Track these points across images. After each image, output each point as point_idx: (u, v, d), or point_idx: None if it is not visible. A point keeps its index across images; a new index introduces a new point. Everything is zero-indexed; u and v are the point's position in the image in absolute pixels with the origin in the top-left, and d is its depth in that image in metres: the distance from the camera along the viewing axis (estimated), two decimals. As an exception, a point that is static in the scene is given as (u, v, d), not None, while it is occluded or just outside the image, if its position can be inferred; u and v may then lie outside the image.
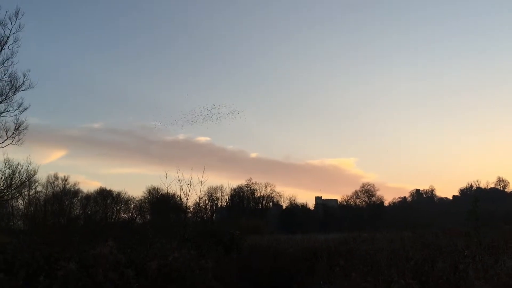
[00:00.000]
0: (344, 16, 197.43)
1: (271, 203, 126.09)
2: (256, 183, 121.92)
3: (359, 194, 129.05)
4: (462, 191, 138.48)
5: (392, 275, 11.15)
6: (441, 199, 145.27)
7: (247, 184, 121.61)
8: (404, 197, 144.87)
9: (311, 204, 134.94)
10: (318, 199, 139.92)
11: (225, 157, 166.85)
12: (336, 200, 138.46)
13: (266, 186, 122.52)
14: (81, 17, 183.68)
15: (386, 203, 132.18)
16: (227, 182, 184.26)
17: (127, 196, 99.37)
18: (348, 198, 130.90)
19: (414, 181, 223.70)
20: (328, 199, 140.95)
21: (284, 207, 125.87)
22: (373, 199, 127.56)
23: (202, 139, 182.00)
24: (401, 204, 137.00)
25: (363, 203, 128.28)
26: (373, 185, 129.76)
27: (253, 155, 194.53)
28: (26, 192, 59.73)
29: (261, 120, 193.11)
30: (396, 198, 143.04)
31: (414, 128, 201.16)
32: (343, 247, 21.12)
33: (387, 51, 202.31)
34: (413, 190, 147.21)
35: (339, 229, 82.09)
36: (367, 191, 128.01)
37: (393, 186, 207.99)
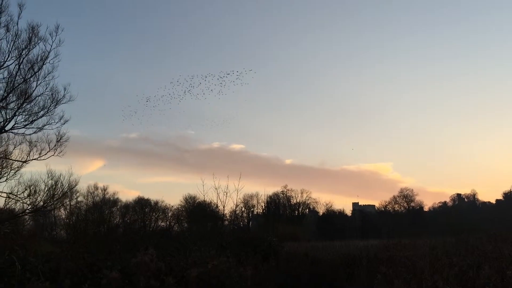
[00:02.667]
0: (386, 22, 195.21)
1: (307, 210, 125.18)
2: (291, 190, 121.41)
3: (397, 199, 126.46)
4: (506, 195, 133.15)
5: (436, 282, 10.85)
6: (484, 203, 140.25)
7: (282, 191, 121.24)
8: (445, 201, 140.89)
9: (348, 210, 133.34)
10: (355, 205, 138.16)
11: (259, 164, 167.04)
12: (374, 206, 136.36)
13: (302, 193, 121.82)
14: (119, 31, 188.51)
15: (426, 209, 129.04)
16: (262, 189, 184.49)
17: (164, 204, 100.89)
18: (386, 203, 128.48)
19: (455, 185, 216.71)
20: (365, 205, 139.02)
21: (320, 213, 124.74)
22: (412, 204, 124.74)
23: (237, 146, 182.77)
24: (442, 209, 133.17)
25: (402, 208, 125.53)
26: (412, 190, 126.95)
27: (288, 161, 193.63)
28: (68, 202, 61.38)
29: (295, 126, 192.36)
30: (436, 203, 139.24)
31: (453, 129, 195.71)
32: (384, 254, 20.68)
33: (424, 50, 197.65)
34: (454, 194, 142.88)
35: (378, 236, 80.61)
36: (406, 196, 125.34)
37: (433, 191, 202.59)
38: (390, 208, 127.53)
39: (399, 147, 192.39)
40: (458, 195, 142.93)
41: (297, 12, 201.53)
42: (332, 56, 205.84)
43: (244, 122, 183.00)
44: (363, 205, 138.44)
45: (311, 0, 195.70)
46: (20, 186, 27.48)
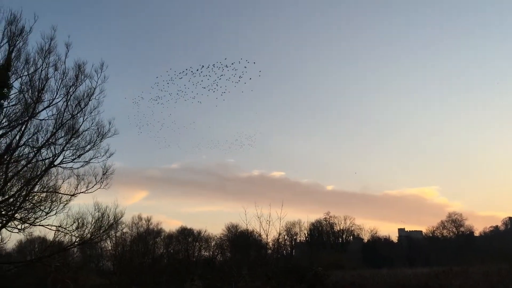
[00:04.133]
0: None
1: (351, 237, 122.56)
2: (334, 217, 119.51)
3: (445, 224, 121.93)
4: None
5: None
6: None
7: (325, 217, 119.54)
8: (496, 226, 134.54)
9: (394, 237, 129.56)
10: (401, 231, 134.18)
11: (300, 191, 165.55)
12: (421, 231, 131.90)
13: (345, 219, 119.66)
14: (153, 63, 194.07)
15: (476, 233, 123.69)
16: (304, 216, 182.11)
17: (207, 234, 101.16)
18: (434, 229, 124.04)
19: (507, 208, 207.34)
20: (412, 230, 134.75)
21: (365, 240, 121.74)
22: (462, 229, 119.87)
23: (277, 174, 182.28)
24: (494, 234, 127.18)
25: (451, 234, 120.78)
26: (461, 214, 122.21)
27: (329, 187, 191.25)
28: (113, 234, 62.58)
29: (335, 152, 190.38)
30: (488, 227, 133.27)
31: (503, 149, 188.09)
32: (434, 283, 19.85)
33: (473, 72, 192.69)
34: (506, 218, 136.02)
35: (427, 263, 77.56)
36: (454, 221, 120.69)
37: (483, 215, 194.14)
38: (438, 234, 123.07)
39: (445, 170, 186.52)
40: (511, 218, 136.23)
41: (340, 40, 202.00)
42: (373, 82, 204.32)
43: (284, 149, 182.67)
44: (409, 231, 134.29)
45: (349, 28, 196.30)
46: (68, 219, 28.30)
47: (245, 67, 45.47)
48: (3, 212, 25.84)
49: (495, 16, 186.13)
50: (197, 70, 46.37)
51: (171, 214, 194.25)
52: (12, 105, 25.16)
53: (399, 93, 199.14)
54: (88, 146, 27.62)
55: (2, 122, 24.75)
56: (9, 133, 25.10)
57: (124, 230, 75.82)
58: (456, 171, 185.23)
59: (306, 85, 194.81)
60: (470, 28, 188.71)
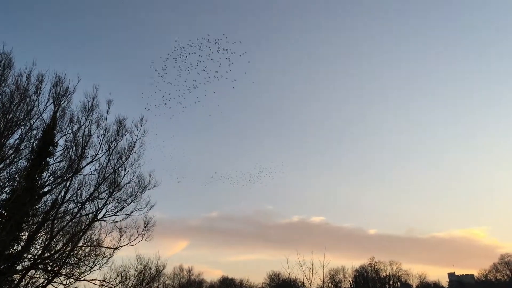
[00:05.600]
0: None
1: (398, 283, 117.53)
2: (379, 262, 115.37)
3: (498, 267, 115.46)
4: None
5: None
6: None
7: (370, 263, 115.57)
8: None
9: (444, 282, 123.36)
10: (451, 275, 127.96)
11: (342, 236, 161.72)
12: (473, 275, 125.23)
13: (391, 265, 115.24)
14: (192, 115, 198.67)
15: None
16: (347, 262, 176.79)
17: (249, 283, 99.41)
18: (487, 272, 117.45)
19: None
20: (462, 274, 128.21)
21: (414, 286, 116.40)
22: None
23: (317, 219, 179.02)
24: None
25: (505, 277, 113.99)
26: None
27: (372, 231, 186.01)
28: (155, 286, 62.25)
29: (376, 194, 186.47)
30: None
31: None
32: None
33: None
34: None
35: (482, 308, 72.90)
36: (508, 263, 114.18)
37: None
38: (491, 277, 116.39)
39: (494, 209, 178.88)
40: None
41: (367, 78, 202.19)
42: (412, 121, 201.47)
43: (322, 193, 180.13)
44: (460, 275, 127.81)
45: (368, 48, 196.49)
46: (112, 272, 28.52)
47: None
48: (49, 268, 26.21)
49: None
50: None
51: (212, 263, 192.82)
52: (57, 162, 26.09)
53: (444, 131, 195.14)
54: (130, 199, 28.06)
55: (48, 179, 25.58)
56: (55, 189, 25.90)
57: (166, 282, 75.51)
58: (506, 209, 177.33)
59: (344, 132, 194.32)
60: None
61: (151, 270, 29.83)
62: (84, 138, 25.91)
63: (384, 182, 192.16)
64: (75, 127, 25.86)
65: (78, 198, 26.26)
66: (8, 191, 24.72)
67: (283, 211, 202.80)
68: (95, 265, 27.95)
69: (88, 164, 26.33)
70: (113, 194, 27.38)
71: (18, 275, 25.18)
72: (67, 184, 25.60)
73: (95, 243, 28.34)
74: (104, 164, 26.82)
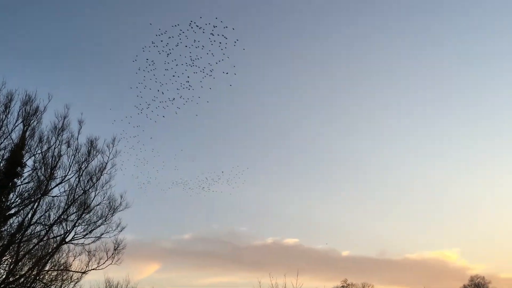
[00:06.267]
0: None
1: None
2: (352, 284, 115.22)
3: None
4: None
5: None
6: None
7: (342, 285, 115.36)
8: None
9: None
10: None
11: (315, 258, 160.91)
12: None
13: (363, 287, 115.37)
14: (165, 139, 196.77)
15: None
16: (321, 284, 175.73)
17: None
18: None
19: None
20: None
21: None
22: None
23: (291, 240, 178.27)
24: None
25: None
26: (483, 277, 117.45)
27: (345, 253, 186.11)
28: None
29: (350, 215, 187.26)
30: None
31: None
32: None
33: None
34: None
35: (452, 330, 73.36)
36: (477, 285, 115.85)
37: (507, 277, 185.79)
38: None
39: (465, 231, 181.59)
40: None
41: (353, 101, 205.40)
42: (386, 143, 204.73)
43: (297, 214, 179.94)
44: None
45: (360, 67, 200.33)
46: (79, 297, 27.54)
47: None
48: (13, 293, 25.26)
49: None
50: None
51: (184, 287, 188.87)
52: (25, 183, 25.43)
53: (415, 152, 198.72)
54: (100, 221, 27.53)
55: (15, 200, 24.87)
56: (21, 211, 25.15)
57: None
58: (476, 231, 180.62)
59: (318, 147, 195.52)
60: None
61: (120, 295, 29.02)
62: (53, 159, 25.42)
63: (357, 203, 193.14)
64: (45, 147, 25.36)
65: (46, 220, 25.61)
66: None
67: (257, 233, 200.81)
68: (62, 289, 27.10)
69: (57, 185, 25.80)
70: (83, 216, 26.82)
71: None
72: (35, 206, 24.91)
73: (62, 267, 27.60)
74: (74, 185, 26.32)
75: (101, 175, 27.32)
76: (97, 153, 27.19)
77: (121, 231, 28.31)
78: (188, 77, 34.56)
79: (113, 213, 27.90)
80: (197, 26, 33.54)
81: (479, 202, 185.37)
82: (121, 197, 28.22)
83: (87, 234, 27.13)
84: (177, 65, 34.34)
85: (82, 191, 26.66)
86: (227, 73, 34.07)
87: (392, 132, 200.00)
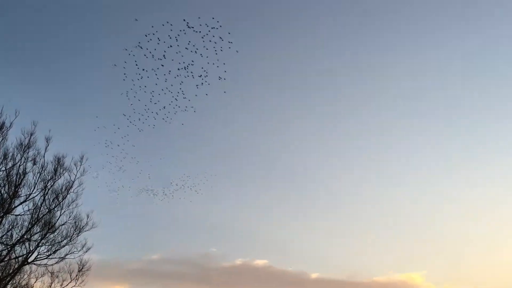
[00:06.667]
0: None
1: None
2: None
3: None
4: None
5: None
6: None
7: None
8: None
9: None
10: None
11: (285, 280, 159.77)
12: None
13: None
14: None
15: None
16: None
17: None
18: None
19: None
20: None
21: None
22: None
23: (260, 262, 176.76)
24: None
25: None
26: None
27: (314, 275, 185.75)
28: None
29: (321, 236, 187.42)
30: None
31: (491, 232, 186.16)
32: None
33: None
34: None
35: None
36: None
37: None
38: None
39: (430, 254, 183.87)
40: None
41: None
42: (354, 164, 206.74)
43: (267, 235, 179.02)
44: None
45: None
46: (40, 321, 26.64)
47: None
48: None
49: None
50: None
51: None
52: (-13, 202, 24.64)
53: (382, 174, 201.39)
54: (64, 241, 26.84)
55: (-24, 219, 24.07)
56: (-18, 230, 24.33)
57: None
58: (441, 253, 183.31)
59: (290, 168, 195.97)
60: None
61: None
62: (18, 176, 24.73)
63: (328, 224, 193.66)
64: (9, 164, 24.66)
65: (7, 239, 24.79)
66: None
67: (226, 254, 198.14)
68: (23, 312, 26.15)
69: (21, 203, 25.02)
70: (47, 235, 26.12)
71: None
72: (-4, 225, 24.15)
73: (24, 289, 26.65)
74: (39, 203, 25.66)
75: (68, 193, 26.77)
76: (64, 171, 26.66)
77: (86, 251, 27.67)
78: (182, 82, 32.05)
79: (78, 233, 27.28)
80: (189, 27, 30.21)
81: (443, 225, 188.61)
82: (88, 216, 27.69)
83: (50, 254, 26.39)
84: (170, 72, 32.09)
85: (47, 210, 26.01)
86: (224, 79, 31.60)
87: (361, 154, 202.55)
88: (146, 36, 29.55)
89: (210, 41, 29.55)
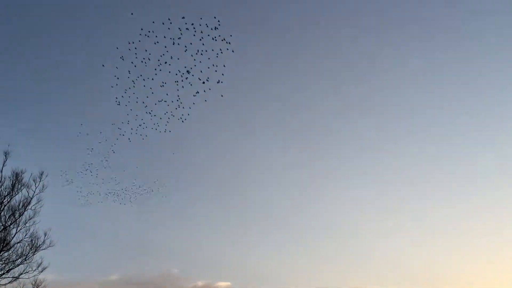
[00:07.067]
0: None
1: None
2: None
3: None
4: None
5: None
6: None
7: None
8: None
9: None
10: None
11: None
12: None
13: None
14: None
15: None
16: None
17: None
18: None
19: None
20: None
21: None
22: None
23: (223, 284, 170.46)
24: None
25: None
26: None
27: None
28: None
29: (282, 256, 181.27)
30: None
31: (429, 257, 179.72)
32: None
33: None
34: None
35: None
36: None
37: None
38: None
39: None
40: None
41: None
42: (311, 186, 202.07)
43: (230, 256, 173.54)
44: None
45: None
46: None
47: None
48: None
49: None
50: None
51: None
52: None
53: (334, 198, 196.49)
54: (19, 260, 26.20)
55: None
56: None
57: None
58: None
59: (250, 189, 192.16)
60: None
61: None
62: (-27, 192, 24.29)
63: (291, 245, 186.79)
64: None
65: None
66: None
67: (188, 275, 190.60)
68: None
69: (-25, 220, 24.47)
70: (1, 254, 25.40)
71: None
72: None
73: (-29, 310, 25.57)
74: (-6, 220, 25.02)
75: (25, 210, 26.32)
76: (22, 187, 26.26)
77: (42, 271, 26.89)
78: (179, 90, 29.76)
79: (34, 251, 26.61)
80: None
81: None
82: (45, 234, 27.11)
83: (3, 273, 25.59)
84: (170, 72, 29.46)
85: (3, 227, 25.43)
86: (222, 82, 29.04)
87: (303, 174, 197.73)
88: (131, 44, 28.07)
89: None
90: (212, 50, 27.81)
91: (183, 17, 27.10)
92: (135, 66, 28.84)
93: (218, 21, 26.90)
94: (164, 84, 29.60)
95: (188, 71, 28.25)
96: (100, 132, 36.53)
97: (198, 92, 29.40)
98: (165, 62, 28.33)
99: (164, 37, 27.80)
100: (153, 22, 27.39)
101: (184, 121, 31.43)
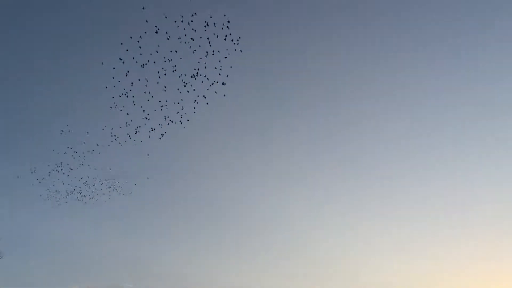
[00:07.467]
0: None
1: None
2: None
3: None
4: None
5: None
6: None
7: None
8: None
9: None
10: None
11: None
12: None
13: None
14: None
15: None
16: None
17: None
18: None
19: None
20: None
21: None
22: None
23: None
24: None
25: None
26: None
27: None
28: None
29: (249, 276, 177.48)
30: None
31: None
32: None
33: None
34: None
35: None
36: None
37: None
38: None
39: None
40: None
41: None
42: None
43: (187, 273, 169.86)
44: None
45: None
46: None
47: None
48: None
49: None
50: None
51: None
52: None
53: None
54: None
55: None
56: None
57: None
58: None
59: (216, 204, 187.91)
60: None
61: None
62: None
63: (256, 262, 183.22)
64: None
65: None
66: None
67: None
68: None
69: None
70: None
71: None
72: None
73: None
74: None
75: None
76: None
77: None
78: (180, 92, 27.15)
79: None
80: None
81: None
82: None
83: None
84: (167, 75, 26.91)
85: None
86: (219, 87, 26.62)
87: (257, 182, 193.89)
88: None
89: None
90: (219, 51, 25.90)
91: (195, 14, 25.36)
92: (136, 62, 26.71)
93: (228, 21, 24.95)
94: (165, 89, 27.50)
95: (193, 76, 26.10)
96: (87, 132, 34.21)
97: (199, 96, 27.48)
98: (171, 62, 26.25)
99: (169, 38, 25.77)
100: (166, 17, 25.29)
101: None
